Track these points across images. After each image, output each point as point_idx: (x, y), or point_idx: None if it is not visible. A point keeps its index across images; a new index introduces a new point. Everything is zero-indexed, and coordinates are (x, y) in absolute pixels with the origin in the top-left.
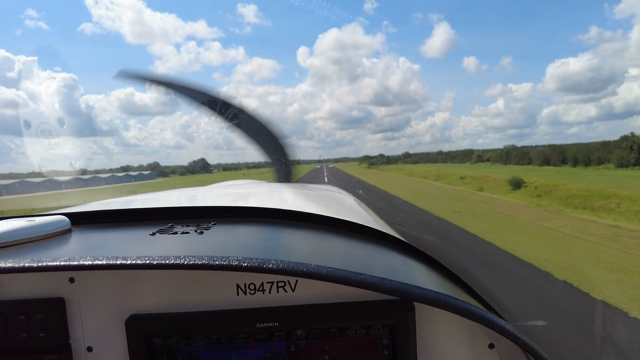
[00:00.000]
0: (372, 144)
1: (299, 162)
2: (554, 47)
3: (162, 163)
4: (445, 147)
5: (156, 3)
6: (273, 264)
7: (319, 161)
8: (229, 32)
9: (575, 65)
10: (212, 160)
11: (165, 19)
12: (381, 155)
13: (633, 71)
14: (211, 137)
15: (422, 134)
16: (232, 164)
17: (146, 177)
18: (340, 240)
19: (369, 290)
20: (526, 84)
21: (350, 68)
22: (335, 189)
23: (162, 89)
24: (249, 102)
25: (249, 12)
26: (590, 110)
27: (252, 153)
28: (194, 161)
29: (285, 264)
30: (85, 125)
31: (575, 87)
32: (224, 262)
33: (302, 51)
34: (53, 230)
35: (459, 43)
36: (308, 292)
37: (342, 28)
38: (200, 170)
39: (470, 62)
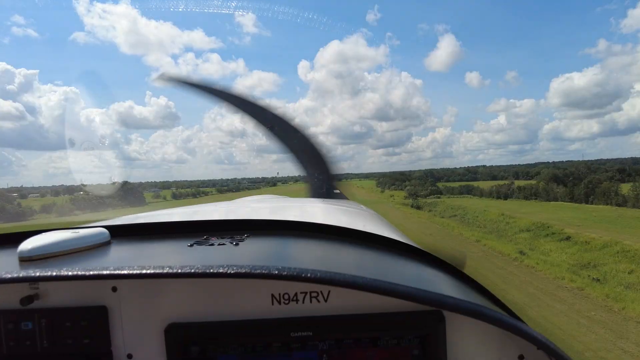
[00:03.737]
0: (374, 159)
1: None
2: (559, 61)
3: (163, 178)
4: (446, 163)
5: (151, 11)
6: (311, 274)
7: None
8: (227, 42)
9: (580, 80)
10: (213, 175)
11: (161, 27)
12: (402, 174)
13: (639, 86)
14: (212, 151)
15: (422, 150)
16: (193, 181)
17: None
18: (368, 253)
19: (399, 302)
20: (528, 99)
21: (352, 82)
22: (355, 204)
23: (202, 93)
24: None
25: (248, 22)
26: (593, 126)
27: (253, 168)
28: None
29: (323, 273)
30: (87, 139)
31: (579, 103)
32: (265, 271)
33: (303, 64)
34: (95, 242)
35: (463, 56)
36: (340, 302)
37: (343, 40)
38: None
39: (473, 76)
